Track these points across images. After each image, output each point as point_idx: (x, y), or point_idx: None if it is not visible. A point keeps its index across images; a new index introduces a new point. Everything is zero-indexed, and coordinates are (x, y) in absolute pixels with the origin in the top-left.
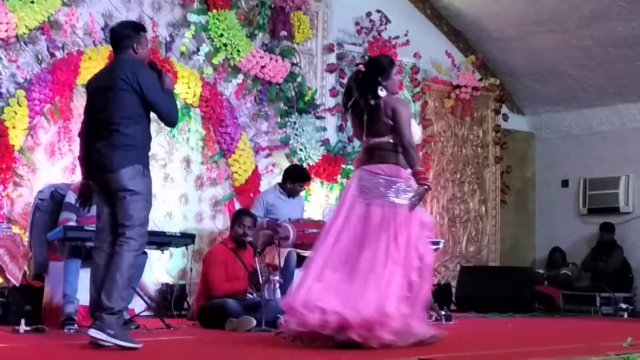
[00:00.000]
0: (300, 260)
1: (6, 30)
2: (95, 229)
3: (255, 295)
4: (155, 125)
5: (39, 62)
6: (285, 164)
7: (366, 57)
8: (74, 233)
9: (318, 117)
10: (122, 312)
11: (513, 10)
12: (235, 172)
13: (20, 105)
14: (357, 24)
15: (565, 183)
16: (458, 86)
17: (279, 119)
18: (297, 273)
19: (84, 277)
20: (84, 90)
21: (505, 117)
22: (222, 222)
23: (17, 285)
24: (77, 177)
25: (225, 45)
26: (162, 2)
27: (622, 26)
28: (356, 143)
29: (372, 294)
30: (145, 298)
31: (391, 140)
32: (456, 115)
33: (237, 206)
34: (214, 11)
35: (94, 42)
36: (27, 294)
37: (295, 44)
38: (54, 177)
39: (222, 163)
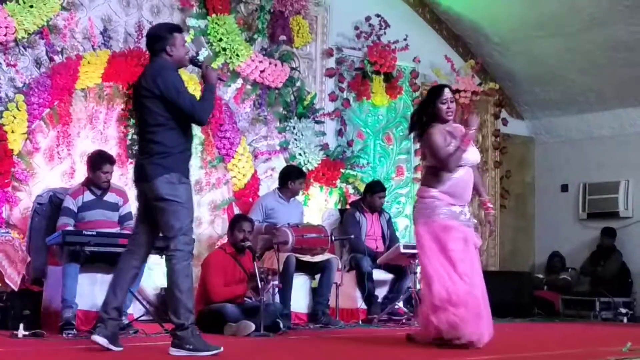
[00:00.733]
0: (299, 264)
1: (5, 35)
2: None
3: (254, 299)
4: None
5: (38, 67)
6: None
7: (365, 62)
8: (73, 238)
9: (317, 122)
10: (193, 324)
11: (513, 15)
12: (234, 176)
13: (19, 110)
14: (356, 28)
15: (564, 188)
16: (457, 90)
17: (278, 124)
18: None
19: (83, 281)
20: (83, 94)
21: (505, 122)
22: (221, 227)
23: (16, 289)
24: (76, 181)
25: (224, 49)
26: (162, 6)
27: (622, 30)
28: (355, 147)
29: None
30: (144, 303)
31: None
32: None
33: (236, 211)
34: (213, 15)
35: (93, 46)
36: (26, 299)
37: (294, 49)
38: (52, 182)
39: (221, 167)
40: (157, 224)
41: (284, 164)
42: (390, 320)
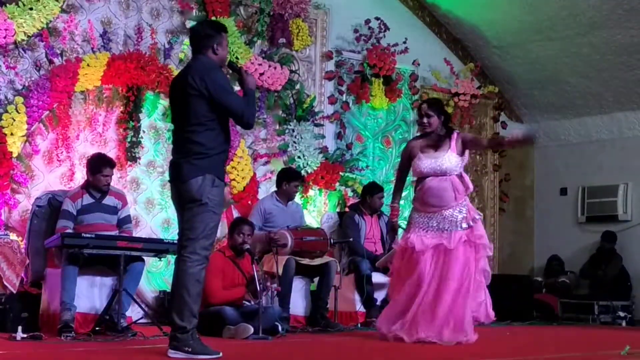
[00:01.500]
0: (298, 267)
1: (5, 37)
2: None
3: (252, 302)
4: (153, 131)
5: (38, 69)
6: None
7: (365, 65)
8: (72, 240)
9: (316, 125)
10: (195, 328)
11: (512, 18)
12: (234, 179)
13: (18, 112)
14: (356, 31)
15: (563, 191)
16: (457, 94)
17: (277, 126)
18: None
19: (82, 284)
20: (82, 97)
21: (504, 125)
22: (220, 230)
23: (14, 292)
24: (75, 184)
25: None
26: (161, 9)
27: (621, 34)
28: (355, 150)
29: None
30: (143, 305)
31: None
32: (455, 123)
33: (235, 213)
34: (213, 18)
35: (92, 49)
36: (24, 301)
37: (294, 51)
38: (51, 184)
39: None
40: (185, 222)
41: (283, 167)
42: None
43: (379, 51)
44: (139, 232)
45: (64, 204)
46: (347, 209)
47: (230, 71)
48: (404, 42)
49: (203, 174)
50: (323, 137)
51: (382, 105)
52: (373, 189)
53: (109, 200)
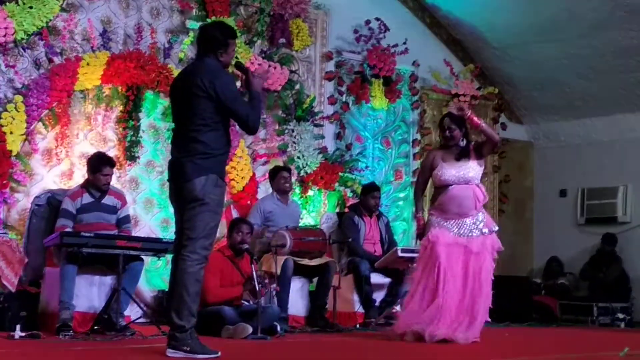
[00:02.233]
0: (297, 268)
1: (4, 36)
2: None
3: (251, 302)
4: (152, 131)
5: (37, 68)
6: None
7: (365, 65)
8: (71, 239)
9: (316, 125)
10: (193, 327)
11: (512, 19)
12: (233, 179)
13: (17, 111)
14: (356, 31)
15: (563, 193)
16: (457, 95)
17: (277, 127)
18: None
19: (80, 283)
20: (82, 96)
21: (504, 126)
22: (219, 229)
23: (13, 291)
24: (74, 183)
25: None
26: (161, 8)
27: (622, 36)
28: (354, 151)
29: None
30: (142, 305)
31: None
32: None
33: (234, 214)
34: (213, 18)
35: (92, 47)
36: (23, 300)
37: (293, 52)
38: (50, 183)
39: None
40: (183, 220)
41: None
42: (387, 324)
43: (379, 52)
44: (138, 232)
45: (64, 203)
46: (346, 210)
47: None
48: (404, 43)
49: (207, 173)
50: (322, 137)
51: (381, 105)
52: (368, 188)
53: (108, 200)
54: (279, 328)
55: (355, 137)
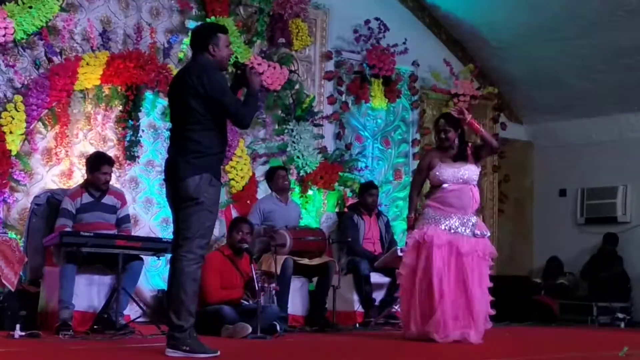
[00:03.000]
0: (297, 267)
1: (4, 35)
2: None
3: (251, 302)
4: (152, 130)
5: (37, 68)
6: None
7: (364, 65)
8: (70, 239)
9: (316, 125)
10: (192, 327)
11: (512, 19)
12: (232, 179)
13: (17, 111)
14: (355, 31)
15: (563, 192)
16: (456, 94)
17: (276, 126)
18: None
19: (80, 282)
20: (82, 96)
21: (504, 126)
22: (218, 229)
23: (13, 290)
24: (74, 182)
25: None
26: (161, 8)
27: (622, 35)
28: (354, 150)
29: None
30: (141, 304)
31: None
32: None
33: (234, 213)
34: (212, 18)
35: (92, 47)
36: (23, 299)
37: (293, 51)
38: (50, 183)
39: None
40: (179, 220)
41: None
42: (387, 324)
43: (378, 51)
44: (137, 231)
45: (63, 203)
46: (346, 209)
47: (234, 71)
48: (404, 43)
49: (200, 172)
50: (322, 137)
51: (381, 105)
52: (365, 186)
53: (108, 200)
54: (278, 327)
55: (355, 137)
